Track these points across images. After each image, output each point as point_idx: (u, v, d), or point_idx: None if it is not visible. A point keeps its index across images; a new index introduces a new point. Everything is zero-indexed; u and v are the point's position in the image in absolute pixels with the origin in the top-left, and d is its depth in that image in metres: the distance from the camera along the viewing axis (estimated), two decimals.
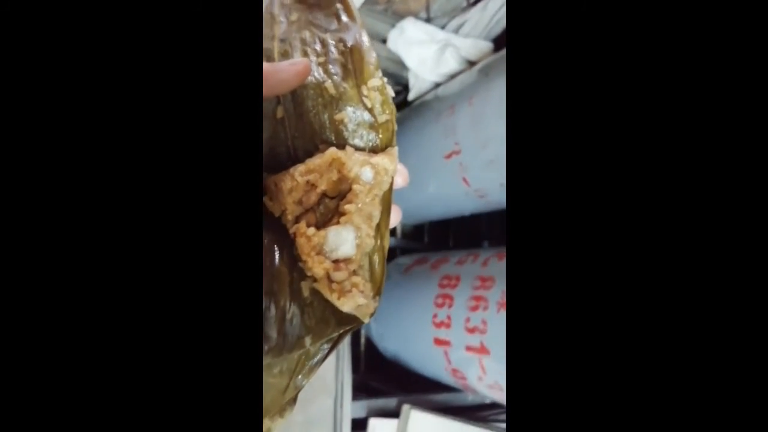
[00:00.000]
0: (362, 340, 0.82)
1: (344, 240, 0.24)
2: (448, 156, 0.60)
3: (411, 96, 0.74)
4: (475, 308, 0.53)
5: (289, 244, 0.24)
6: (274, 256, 0.23)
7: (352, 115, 0.25)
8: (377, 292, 0.25)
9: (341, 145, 0.25)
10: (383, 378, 0.77)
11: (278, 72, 0.22)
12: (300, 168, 0.24)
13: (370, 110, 0.26)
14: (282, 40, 0.27)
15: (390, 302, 0.72)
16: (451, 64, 0.66)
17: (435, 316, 0.60)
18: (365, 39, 0.26)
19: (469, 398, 0.71)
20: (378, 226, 0.25)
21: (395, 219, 0.27)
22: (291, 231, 0.24)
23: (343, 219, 0.24)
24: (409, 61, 0.69)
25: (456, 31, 0.68)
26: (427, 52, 0.68)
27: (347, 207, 0.24)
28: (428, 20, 0.68)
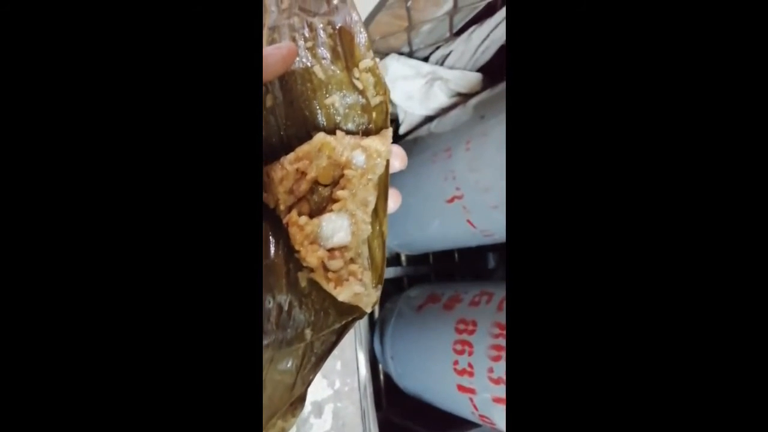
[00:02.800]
0: (381, 376, 0.81)
1: (338, 228, 0.23)
2: (450, 200, 0.58)
3: (402, 130, 0.72)
4: (497, 359, 0.53)
5: (284, 235, 0.23)
6: (269, 248, 0.23)
7: (342, 99, 0.24)
8: (379, 281, 0.24)
9: (332, 130, 0.24)
10: (407, 414, 0.77)
11: (263, 58, 0.21)
12: (289, 156, 0.23)
13: (362, 92, 0.24)
14: (271, 29, 0.25)
15: (407, 343, 0.71)
16: (441, 98, 0.65)
17: (456, 362, 0.59)
18: (356, 19, 0.25)
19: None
20: (375, 211, 0.24)
21: (394, 203, 0.25)
22: (284, 221, 0.23)
23: (336, 206, 0.23)
24: (396, 97, 0.67)
25: (441, 62, 0.66)
26: (414, 87, 0.66)
27: (340, 193, 0.23)
28: (411, 54, 0.66)
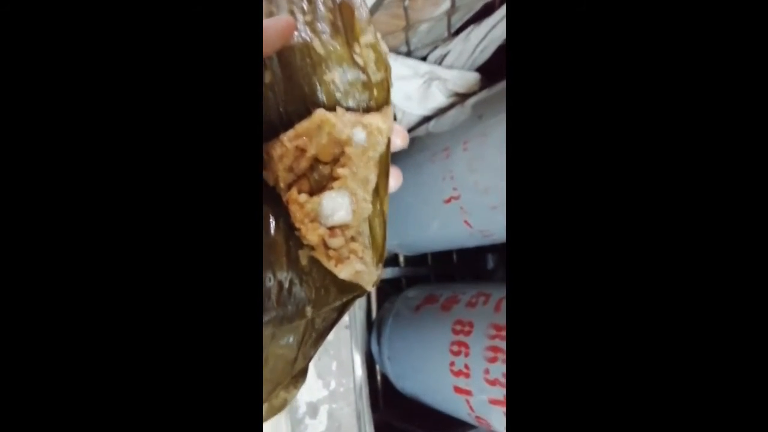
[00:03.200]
0: (378, 377, 0.81)
1: (339, 206, 0.23)
2: (448, 201, 0.58)
3: None
4: (493, 360, 0.52)
5: (284, 213, 0.23)
6: (269, 227, 0.22)
7: (342, 75, 0.24)
8: (380, 259, 0.24)
9: (333, 106, 0.23)
10: (404, 416, 0.76)
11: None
12: (289, 133, 0.23)
13: (363, 69, 0.24)
14: (268, 1, 0.25)
15: (404, 343, 0.71)
16: (439, 98, 0.64)
17: (452, 363, 0.59)
18: None
19: None
20: (376, 190, 0.24)
21: (395, 182, 0.25)
22: (284, 199, 0.23)
23: (336, 184, 0.23)
24: (394, 97, 0.67)
25: (439, 62, 0.65)
26: (412, 87, 0.65)
27: (340, 171, 0.23)
28: (409, 54, 0.66)
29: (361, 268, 0.23)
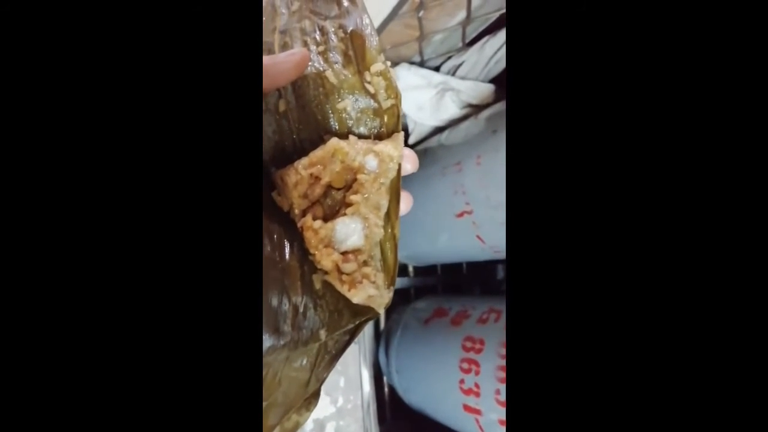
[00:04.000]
0: (386, 388, 0.80)
1: (352, 231, 0.23)
2: (460, 215, 0.57)
3: (411, 140, 0.71)
4: (504, 380, 0.51)
5: (299, 238, 0.23)
6: (284, 250, 0.23)
7: (354, 103, 0.24)
8: (391, 282, 0.24)
9: (345, 134, 0.24)
10: (411, 429, 0.75)
11: (277, 64, 0.22)
12: (303, 161, 0.23)
13: (374, 96, 0.24)
14: (282, 32, 0.25)
15: (413, 357, 0.70)
16: (452, 108, 0.63)
17: (462, 381, 0.58)
18: (367, 22, 0.25)
19: None
20: (387, 214, 0.24)
21: (405, 206, 0.26)
22: (299, 225, 0.23)
23: (349, 210, 0.23)
24: (407, 107, 0.66)
25: (452, 72, 0.64)
26: (425, 97, 0.64)
27: (353, 198, 0.23)
28: (422, 63, 0.65)
29: (373, 293, 0.23)
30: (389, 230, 0.25)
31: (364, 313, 0.24)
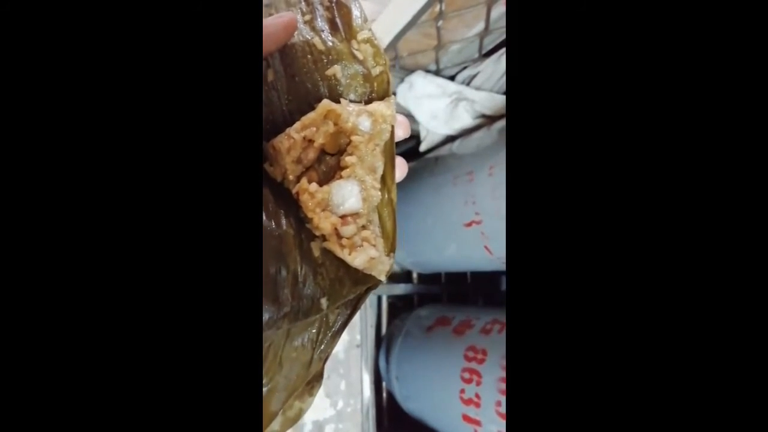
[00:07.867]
0: (384, 394, 0.80)
1: (349, 193, 0.23)
2: (469, 225, 0.57)
3: (423, 147, 0.71)
4: (506, 392, 0.51)
5: (294, 208, 0.23)
6: (280, 219, 0.22)
7: (343, 69, 0.24)
8: (391, 249, 0.24)
9: (336, 100, 0.24)
10: None
11: (265, 28, 0.22)
12: (295, 125, 0.23)
13: (362, 62, 0.25)
14: (267, 5, 0.26)
15: (414, 365, 0.70)
16: (465, 118, 0.63)
17: (462, 391, 0.57)
18: None
19: None
20: (383, 178, 0.24)
21: (401, 172, 0.26)
22: (294, 191, 0.23)
23: (345, 172, 0.23)
24: (420, 115, 0.66)
25: (467, 82, 0.65)
26: (439, 106, 0.65)
27: (348, 159, 0.23)
28: (438, 72, 0.65)
29: (374, 254, 0.23)
30: (386, 195, 0.25)
31: (365, 281, 0.24)
